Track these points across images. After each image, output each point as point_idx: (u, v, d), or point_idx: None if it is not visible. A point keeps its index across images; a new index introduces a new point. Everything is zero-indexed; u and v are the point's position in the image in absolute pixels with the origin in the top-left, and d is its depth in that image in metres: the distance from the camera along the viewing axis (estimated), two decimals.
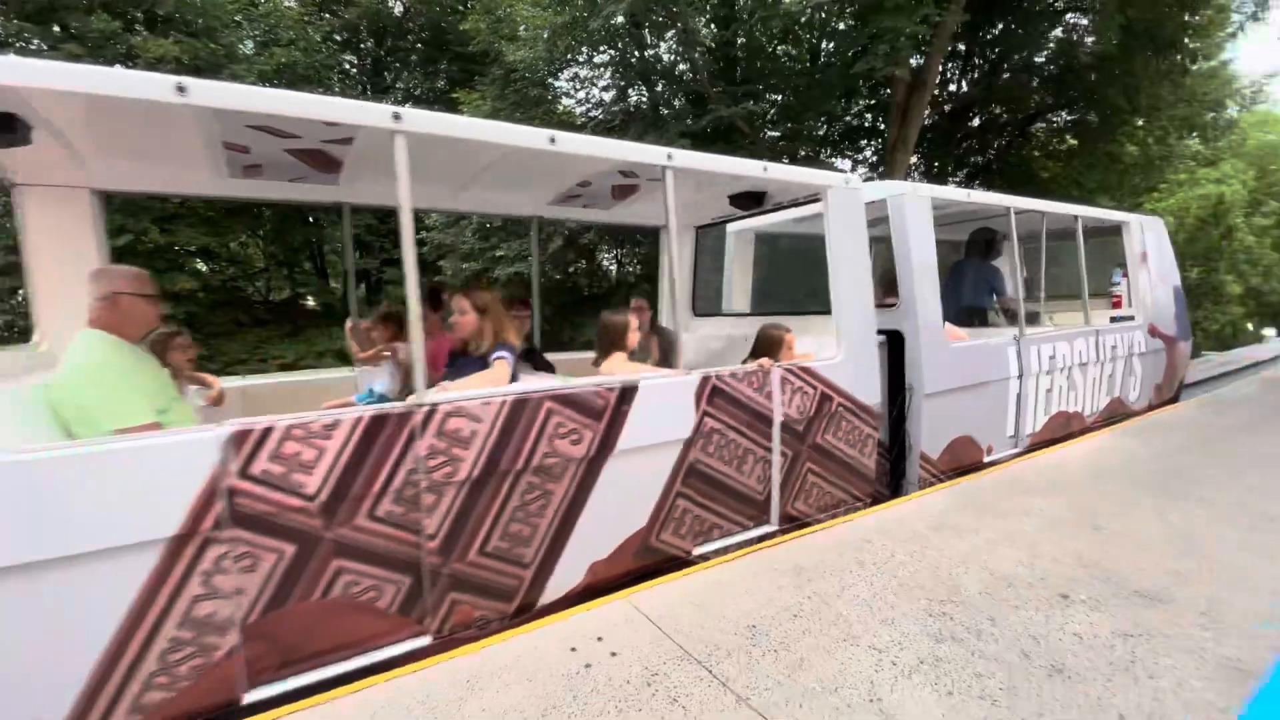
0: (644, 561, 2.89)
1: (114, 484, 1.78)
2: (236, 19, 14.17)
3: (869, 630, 2.25)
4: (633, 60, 12.18)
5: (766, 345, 3.56)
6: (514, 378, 2.80)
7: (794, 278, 6.22)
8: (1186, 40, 11.85)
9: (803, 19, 11.55)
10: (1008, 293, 5.42)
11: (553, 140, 2.63)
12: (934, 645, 2.15)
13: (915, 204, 4.14)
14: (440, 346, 3.79)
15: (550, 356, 4.19)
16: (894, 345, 4.11)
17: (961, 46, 13.54)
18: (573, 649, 2.17)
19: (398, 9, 18.00)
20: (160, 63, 11.20)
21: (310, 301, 18.79)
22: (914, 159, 13.43)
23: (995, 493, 3.72)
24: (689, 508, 3.02)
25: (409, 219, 2.28)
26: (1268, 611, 2.32)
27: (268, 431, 1.98)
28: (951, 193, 4.56)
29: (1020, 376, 4.71)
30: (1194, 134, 15.43)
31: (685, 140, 10.06)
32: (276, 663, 2.05)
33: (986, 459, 4.58)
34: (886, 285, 4.21)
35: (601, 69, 13.39)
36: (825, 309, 3.72)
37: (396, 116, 2.23)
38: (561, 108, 13.93)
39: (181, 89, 1.91)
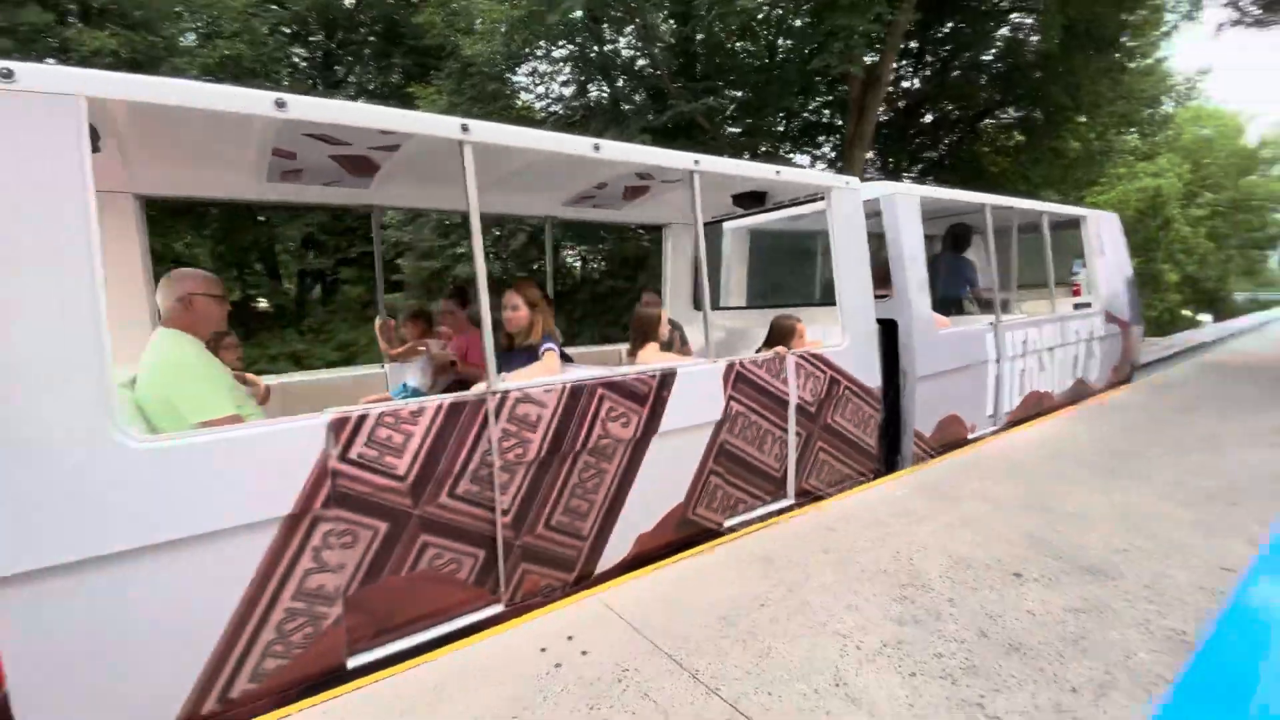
0: (682, 534, 3.13)
1: (237, 468, 1.94)
2: (177, 10, 13.59)
3: (834, 616, 2.30)
4: (592, 55, 12.10)
5: (781, 334, 3.79)
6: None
7: (785, 272, 6.53)
8: (1124, 39, 12.41)
9: (760, 15, 11.67)
10: (980, 283, 5.76)
11: (596, 148, 2.83)
12: (897, 628, 2.21)
13: (906, 202, 4.43)
14: (471, 341, 3.98)
15: None
16: (888, 333, 4.35)
17: (914, 44, 13.89)
18: (543, 649, 2.15)
19: (348, 1, 17.48)
20: (96, 56, 10.66)
21: (263, 303, 18.19)
22: (870, 154, 13.72)
23: (952, 479, 3.83)
24: (720, 484, 3.29)
25: (478, 222, 2.49)
26: (1207, 584, 2.45)
27: (363, 418, 2.15)
28: (937, 192, 4.86)
29: (998, 360, 5.08)
30: (1132, 129, 16.15)
31: (646, 136, 10.07)
32: (372, 631, 2.23)
33: (970, 436, 4.90)
34: (880, 277, 4.42)
35: (561, 64, 13.29)
36: (819, 301, 4.03)
37: (465, 128, 2.43)
38: (521, 102, 13.77)
39: (280, 104, 2.05)
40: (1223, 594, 2.34)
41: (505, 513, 2.51)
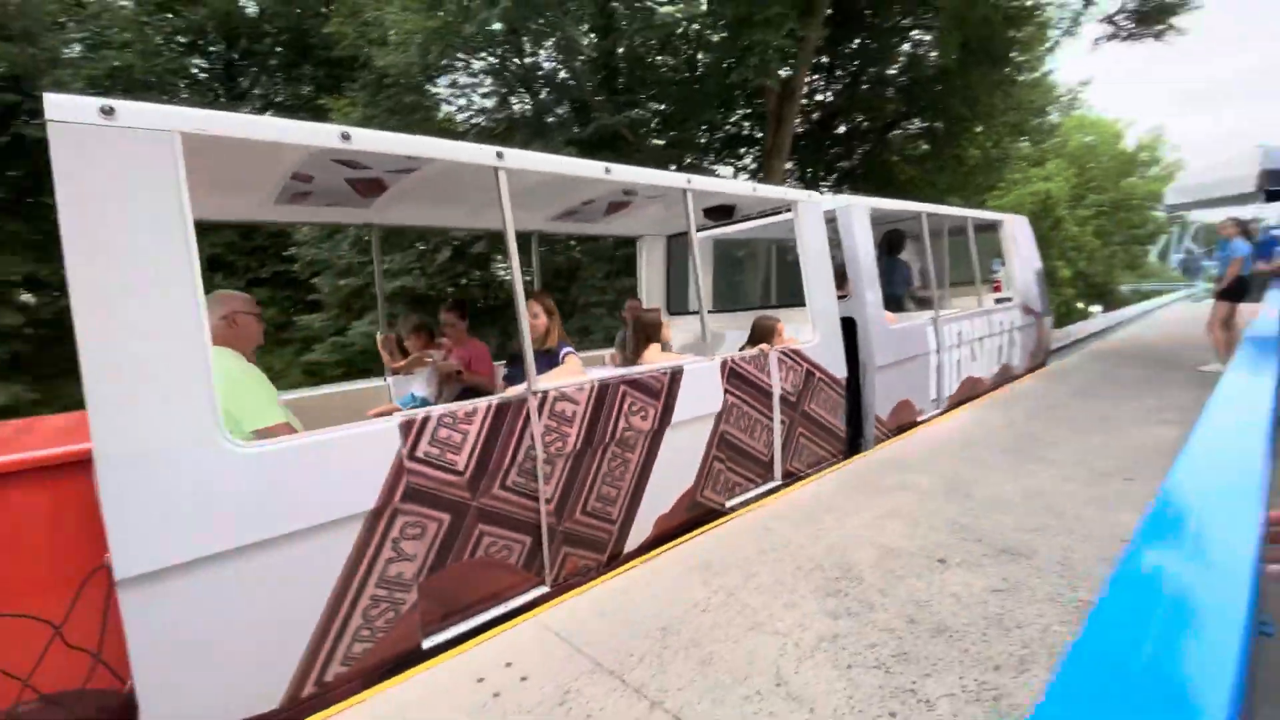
0: (693, 514, 3.47)
1: (326, 469, 2.11)
2: (60, 20, 12.53)
3: (773, 616, 2.32)
4: (512, 67, 12.00)
5: (763, 333, 4.20)
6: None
7: (743, 277, 7.14)
8: (1014, 54, 13.41)
9: (679, 31, 11.91)
10: (915, 283, 6.34)
11: (607, 170, 3.19)
12: (832, 622, 2.25)
13: (859, 213, 4.95)
14: (473, 351, 4.18)
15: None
16: (847, 329, 4.78)
17: (825, 59, 14.52)
18: (480, 679, 2.07)
19: (251, 9, 16.63)
20: None
21: None
22: (789, 165, 14.21)
23: (879, 471, 3.97)
24: (721, 469, 3.64)
25: (514, 241, 2.75)
26: (1108, 555, 2.63)
27: (425, 420, 2.35)
28: (882, 203, 5.40)
29: (938, 350, 5.65)
30: (1024, 138, 17.47)
31: (571, 148, 10.05)
32: (440, 615, 2.44)
33: (919, 419, 5.43)
34: (838, 279, 4.80)
35: (481, 76, 13.10)
36: (774, 303, 4.74)
37: (500, 155, 2.70)
38: (442, 114, 13.48)
39: (345, 136, 2.26)
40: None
41: (549, 501, 2.76)
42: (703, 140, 14.68)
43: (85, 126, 1.75)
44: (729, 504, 3.68)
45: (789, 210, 4.39)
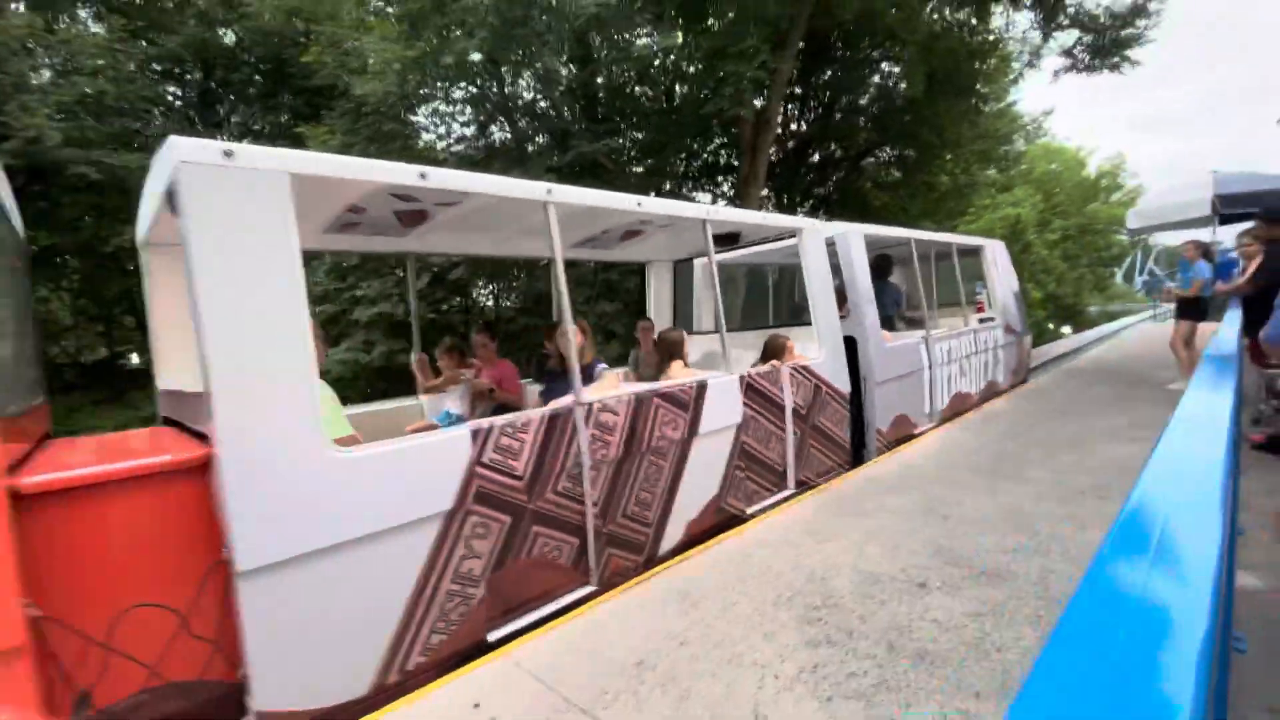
0: (718, 520, 3.67)
1: (414, 472, 2.32)
2: (28, 45, 12.39)
3: (752, 647, 2.27)
4: (492, 96, 12.11)
5: (775, 350, 4.41)
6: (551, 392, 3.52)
7: (744, 299, 7.46)
8: (979, 85, 13.89)
9: (656, 62, 12.15)
10: (904, 304, 6.66)
11: (639, 204, 3.51)
12: (811, 652, 2.20)
13: (856, 239, 5.25)
14: (503, 370, 4.40)
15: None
16: (848, 347, 5.02)
17: (799, 90, 14.91)
18: None
19: (229, 38, 16.65)
20: None
21: (135, 359, 16.50)
22: (765, 192, 14.46)
23: (858, 494, 3.96)
24: (742, 477, 3.86)
25: (561, 269, 3.04)
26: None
27: (490, 429, 2.56)
28: (876, 229, 5.73)
29: (930, 367, 5.91)
30: (991, 165, 18.01)
31: (550, 175, 10.11)
32: (501, 610, 2.60)
33: (915, 431, 5.67)
34: (838, 300, 5.04)
35: (461, 105, 13.19)
36: (773, 323, 5.16)
37: (549, 191, 2.98)
38: (423, 143, 13.51)
39: (423, 175, 2.53)
40: None
41: (595, 504, 2.95)
42: (681, 168, 14.89)
43: (209, 167, 1.96)
44: (749, 510, 3.88)
45: (793, 236, 4.65)
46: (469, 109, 13.13)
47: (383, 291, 11.48)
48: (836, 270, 5.11)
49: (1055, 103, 20.74)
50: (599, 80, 12.86)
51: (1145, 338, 13.76)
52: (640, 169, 13.75)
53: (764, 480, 4.05)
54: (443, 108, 13.41)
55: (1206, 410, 1.17)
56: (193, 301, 1.90)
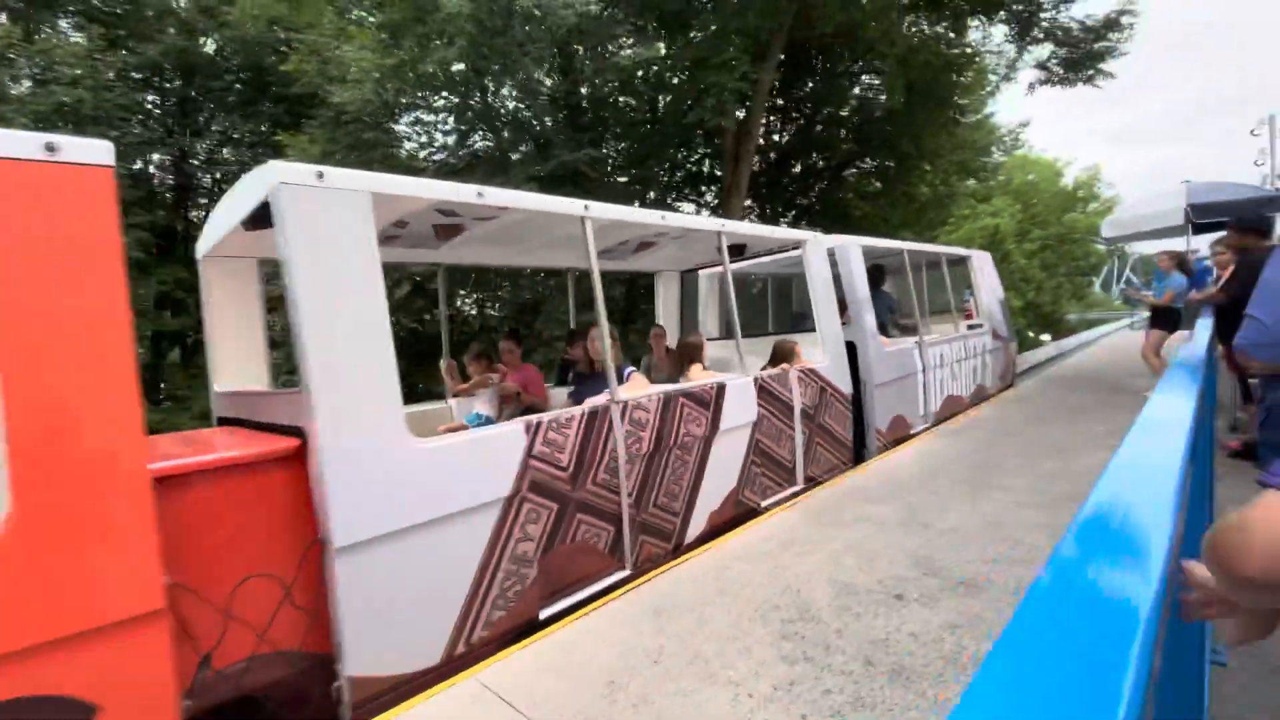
0: (737, 512, 3.94)
1: (478, 461, 2.58)
2: (9, 56, 12.17)
3: (727, 664, 2.21)
4: (475, 105, 12.08)
5: (783, 354, 4.67)
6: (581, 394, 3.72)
7: (745, 308, 7.60)
8: (957, 97, 14.10)
9: (639, 74, 12.20)
10: (897, 312, 6.87)
11: (663, 217, 3.87)
12: (788, 668, 2.16)
13: (854, 250, 5.53)
14: (528, 375, 4.62)
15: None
16: (848, 352, 5.30)
17: (780, 101, 15.04)
18: None
19: (209, 47, 16.49)
20: None
21: None
22: (748, 202, 14.53)
23: (839, 504, 3.92)
24: (757, 473, 4.13)
25: (598, 278, 3.29)
26: None
27: (539, 424, 2.81)
28: (873, 242, 6.06)
29: (924, 370, 6.19)
30: (970, 176, 18.27)
31: (532, 184, 10.07)
32: (549, 591, 2.82)
33: (912, 432, 5.93)
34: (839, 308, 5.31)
35: (444, 114, 13.14)
36: (778, 330, 5.61)
37: (586, 207, 3.24)
38: (405, 152, 13.42)
39: (480, 194, 2.81)
40: None
41: (629, 495, 3.20)
42: (664, 178, 14.93)
43: (304, 187, 2.20)
44: (764, 504, 4.16)
45: (798, 248, 4.94)
46: (451, 118, 13.08)
47: None
48: (835, 279, 5.32)
49: (1032, 115, 21.09)
50: (583, 91, 12.88)
51: (1123, 345, 13.96)
52: (624, 179, 13.77)
53: (776, 475, 4.32)
54: (425, 117, 13.36)
55: (1167, 415, 1.17)
56: (292, 309, 2.14)
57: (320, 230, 2.22)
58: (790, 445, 4.46)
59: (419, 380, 11.68)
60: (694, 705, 1.99)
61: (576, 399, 3.80)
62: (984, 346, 7.79)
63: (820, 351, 4.86)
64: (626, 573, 3.15)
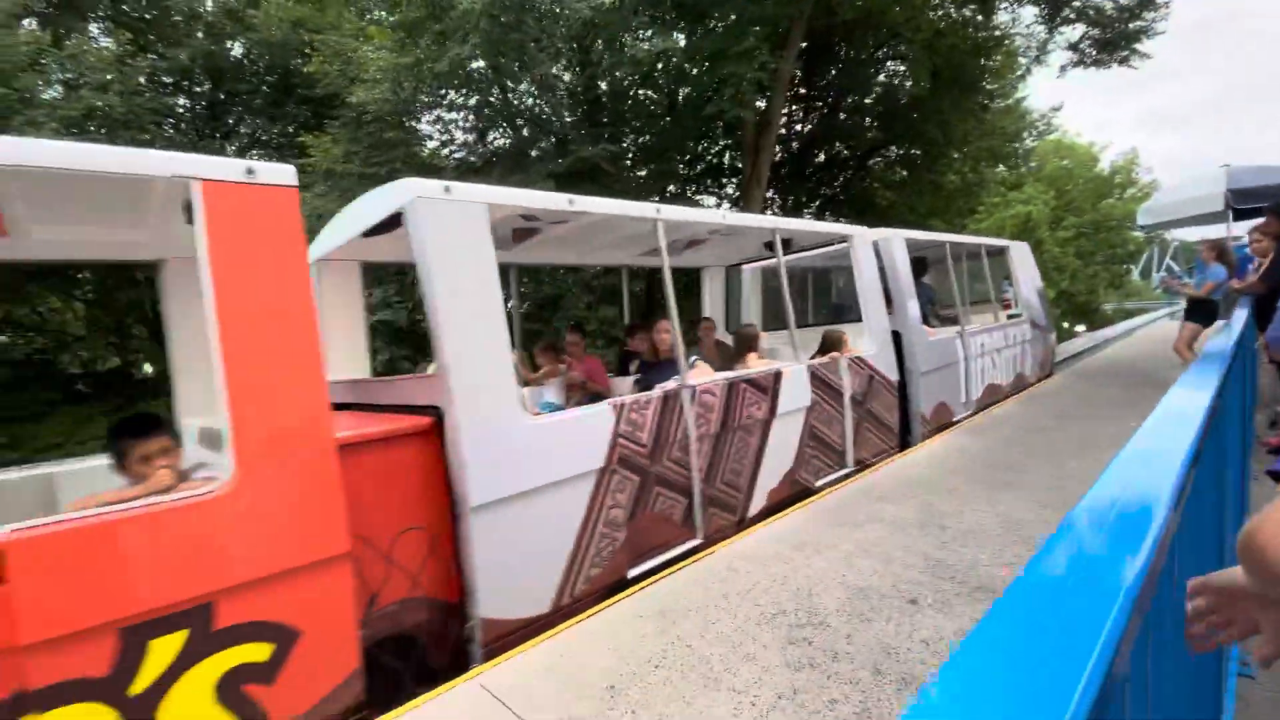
0: (793, 491, 4.21)
1: (579, 436, 2.93)
2: (42, 61, 12.54)
3: (730, 669, 2.17)
4: (492, 102, 12.11)
5: (833, 343, 4.94)
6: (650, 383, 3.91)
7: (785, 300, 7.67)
8: (985, 82, 13.70)
9: (660, 65, 12.09)
10: (936, 303, 6.91)
11: (724, 217, 4.22)
12: (792, 675, 2.10)
13: (898, 242, 5.71)
14: (591, 365, 4.99)
15: None
16: (894, 340, 5.50)
17: (802, 90, 14.78)
18: None
19: (237, 50, 16.80)
20: None
21: (148, 368, 16.66)
22: (770, 193, 14.33)
23: (853, 503, 3.84)
24: (811, 454, 4.41)
25: (669, 275, 3.69)
26: None
27: (624, 404, 3.13)
28: (916, 234, 6.20)
29: (966, 359, 6.35)
30: (1000, 163, 17.76)
31: (549, 181, 10.07)
32: (633, 555, 3.17)
33: (954, 419, 6.11)
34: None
35: (465, 111, 13.20)
36: (817, 322, 5.91)
37: (658, 210, 3.54)
38: (427, 150, 13.52)
39: (571, 201, 3.19)
40: None
41: (700, 470, 3.50)
42: (684, 171, 14.80)
43: (435, 200, 2.58)
44: (817, 484, 4.43)
45: (844, 242, 5.13)
46: (470, 116, 13.13)
47: (384, 299, 11.49)
48: (880, 271, 5.49)
49: (1065, 99, 20.37)
50: (602, 85, 12.81)
51: (1161, 336, 13.46)
52: (643, 172, 13.69)
53: (828, 458, 4.59)
54: (445, 115, 13.43)
55: (1183, 407, 1.11)
56: (429, 305, 2.53)
57: (448, 237, 2.58)
58: (840, 429, 4.70)
59: None
60: (695, 713, 1.95)
61: (644, 385, 4.00)
62: (1023, 336, 7.88)
63: (867, 340, 5.08)
64: (698, 541, 3.47)
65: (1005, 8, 12.52)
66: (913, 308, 5.60)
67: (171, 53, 15.04)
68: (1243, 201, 6.64)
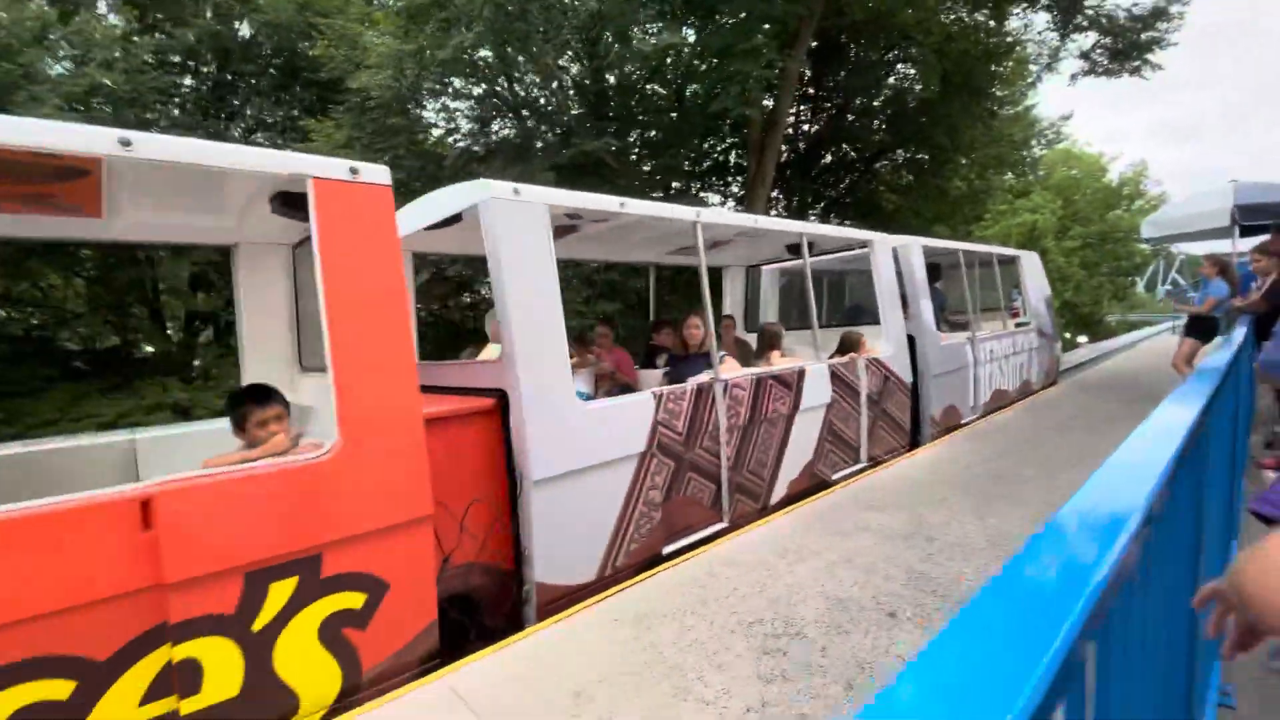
0: (812, 483, 4.42)
1: (623, 421, 3.16)
2: (50, 36, 12.46)
3: (701, 679, 2.13)
4: (500, 90, 12.02)
5: (851, 344, 5.08)
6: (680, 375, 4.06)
7: (800, 301, 7.86)
8: (994, 88, 13.59)
9: (669, 59, 11.99)
10: (947, 308, 7.04)
11: (756, 221, 4.40)
12: (763, 688, 2.06)
13: (916, 249, 5.87)
14: (619, 357, 5.09)
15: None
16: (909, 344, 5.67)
17: (810, 90, 14.67)
18: None
19: (244, 31, 16.71)
20: None
21: (149, 348, 16.64)
22: (775, 193, 14.25)
23: (842, 511, 3.80)
24: (829, 449, 4.60)
25: (705, 274, 3.84)
26: None
27: (661, 395, 3.33)
28: (930, 242, 6.31)
29: (975, 364, 6.49)
30: (1007, 171, 17.66)
31: (551, 174, 10.00)
32: (667, 534, 3.38)
33: (962, 421, 6.27)
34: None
35: (470, 100, 13.10)
36: (831, 324, 5.96)
37: (698, 214, 3.78)
38: (432, 138, 13.43)
39: (622, 204, 3.41)
40: None
41: (729, 459, 3.69)
42: (689, 168, 14.71)
43: (505, 200, 2.82)
44: (833, 477, 4.61)
45: (864, 247, 5.29)
46: (475, 105, 13.04)
47: None
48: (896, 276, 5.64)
49: (1075, 108, 20.24)
50: (609, 79, 12.71)
51: (1163, 350, 13.38)
52: (648, 168, 13.60)
53: (844, 453, 4.76)
54: (450, 103, 13.34)
55: (1168, 424, 1.08)
56: (498, 295, 2.78)
57: (516, 234, 2.81)
58: (856, 426, 4.87)
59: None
60: None
61: (674, 378, 4.13)
62: (1030, 344, 8.03)
63: (884, 342, 5.24)
64: (724, 524, 3.67)
65: (1018, 14, 12.40)
66: (928, 313, 5.73)
67: (179, 32, 14.96)
68: (1249, 218, 6.56)
